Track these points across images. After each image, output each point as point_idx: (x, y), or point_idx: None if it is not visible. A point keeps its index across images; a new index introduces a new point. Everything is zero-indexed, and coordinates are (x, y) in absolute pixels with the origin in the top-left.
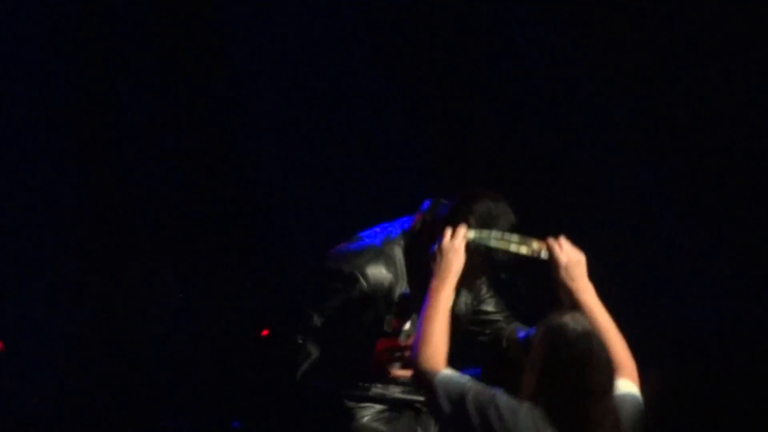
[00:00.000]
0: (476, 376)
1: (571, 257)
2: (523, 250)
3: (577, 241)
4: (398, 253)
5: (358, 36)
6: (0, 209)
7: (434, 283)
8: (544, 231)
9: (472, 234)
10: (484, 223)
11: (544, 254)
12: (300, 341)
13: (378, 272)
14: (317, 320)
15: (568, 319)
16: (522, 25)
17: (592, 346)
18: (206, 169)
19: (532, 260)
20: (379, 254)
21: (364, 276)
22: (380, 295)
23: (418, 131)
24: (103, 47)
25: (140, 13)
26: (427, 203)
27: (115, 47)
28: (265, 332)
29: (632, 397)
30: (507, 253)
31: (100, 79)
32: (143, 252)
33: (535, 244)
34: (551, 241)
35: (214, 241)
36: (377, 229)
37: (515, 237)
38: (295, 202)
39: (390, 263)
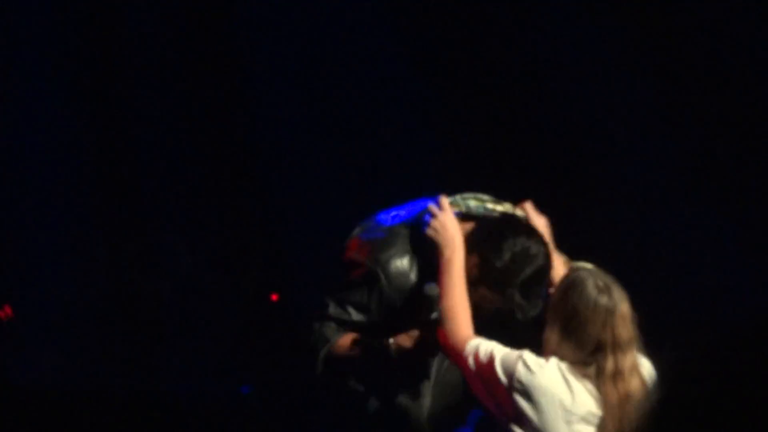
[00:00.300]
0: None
1: (536, 221)
2: (499, 208)
3: (590, 228)
4: (420, 248)
5: (378, 26)
6: (11, 176)
7: (446, 254)
8: (556, 220)
9: (449, 200)
10: (513, 265)
11: (519, 213)
12: (317, 327)
13: (401, 267)
14: (333, 310)
15: (587, 275)
16: (539, 17)
17: (612, 298)
18: (216, 135)
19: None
20: (405, 248)
21: (387, 274)
22: (401, 289)
23: (431, 120)
24: (116, 28)
25: None
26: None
27: (128, 28)
28: (275, 297)
29: (647, 363)
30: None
31: (113, 49)
32: (153, 218)
33: (507, 206)
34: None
35: (225, 207)
36: (403, 212)
37: (489, 198)
38: (305, 167)
39: (412, 257)
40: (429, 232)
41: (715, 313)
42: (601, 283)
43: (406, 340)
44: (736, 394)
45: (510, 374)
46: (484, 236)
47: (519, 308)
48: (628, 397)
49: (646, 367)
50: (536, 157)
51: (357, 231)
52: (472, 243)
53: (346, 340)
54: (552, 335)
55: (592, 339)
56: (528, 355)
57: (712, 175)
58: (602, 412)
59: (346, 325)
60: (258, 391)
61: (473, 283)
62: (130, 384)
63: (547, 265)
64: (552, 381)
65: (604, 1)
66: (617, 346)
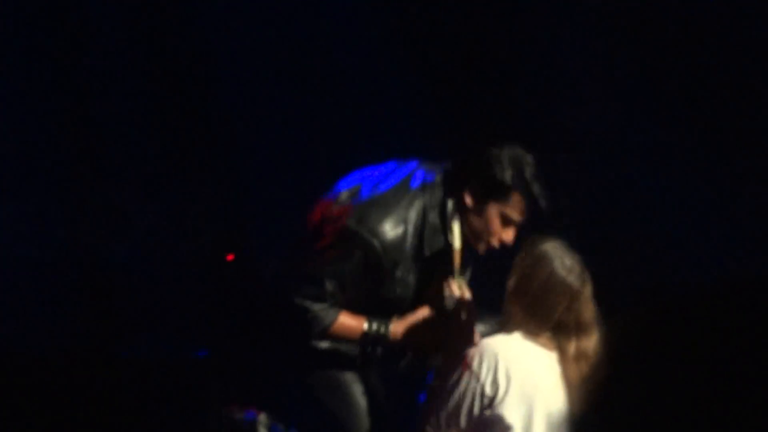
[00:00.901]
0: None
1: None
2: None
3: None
4: (414, 215)
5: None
6: None
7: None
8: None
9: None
10: (515, 164)
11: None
12: (311, 307)
13: (396, 238)
14: (330, 286)
15: (554, 251)
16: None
17: (579, 279)
18: (175, 95)
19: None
20: (399, 219)
21: (383, 242)
22: (394, 260)
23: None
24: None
25: None
26: (443, 164)
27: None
28: (230, 257)
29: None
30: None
31: (73, 16)
32: (111, 179)
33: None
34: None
35: (180, 167)
36: (394, 182)
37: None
38: (262, 127)
39: (407, 226)
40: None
41: (673, 278)
42: (568, 262)
43: (408, 328)
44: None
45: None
46: (472, 159)
47: (540, 197)
48: (588, 374)
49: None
50: (509, 120)
51: (345, 196)
52: (463, 172)
53: (346, 321)
54: (516, 309)
55: (554, 319)
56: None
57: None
58: (564, 392)
59: (342, 300)
60: (214, 355)
61: (480, 209)
62: (85, 345)
63: (532, 156)
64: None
65: None
66: (580, 329)
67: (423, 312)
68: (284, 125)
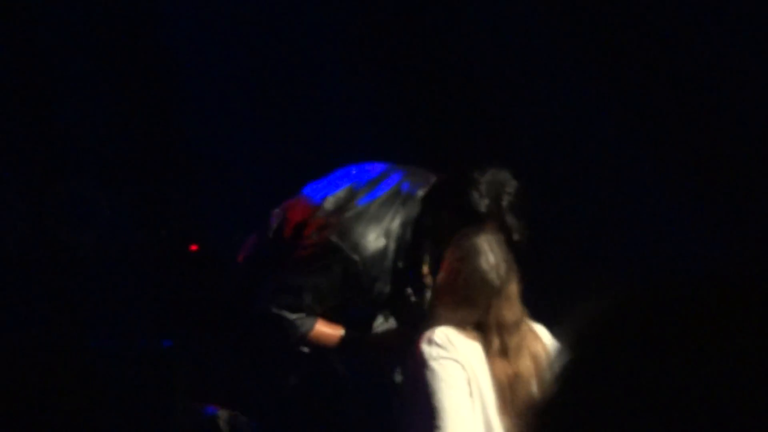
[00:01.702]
0: None
1: None
2: None
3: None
4: (396, 229)
5: None
6: None
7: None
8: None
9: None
10: (493, 190)
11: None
12: (288, 317)
13: (377, 253)
14: (308, 298)
15: (482, 246)
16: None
17: (500, 276)
18: (135, 82)
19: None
20: (381, 233)
21: (364, 259)
22: (374, 276)
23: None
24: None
25: None
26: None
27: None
28: (194, 247)
29: (547, 334)
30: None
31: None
32: (73, 169)
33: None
34: None
35: (143, 157)
36: (376, 181)
37: None
38: (225, 116)
39: (388, 241)
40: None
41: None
42: (493, 260)
43: (385, 340)
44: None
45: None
46: (451, 182)
47: (514, 230)
48: (516, 376)
49: (546, 338)
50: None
51: (329, 205)
52: (441, 194)
53: (324, 329)
54: (443, 304)
55: (474, 317)
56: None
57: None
58: (493, 391)
59: (320, 311)
60: (179, 345)
61: (455, 233)
62: (47, 336)
63: (518, 184)
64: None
65: None
66: (502, 327)
67: (396, 331)
68: (247, 116)
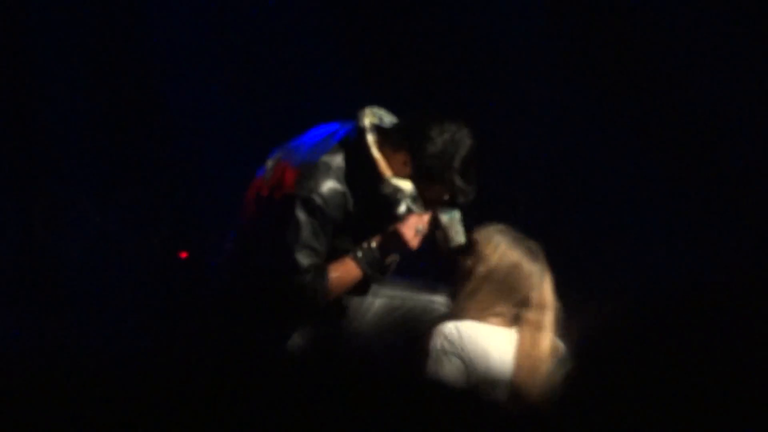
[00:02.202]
0: None
1: None
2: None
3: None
4: (340, 162)
5: None
6: None
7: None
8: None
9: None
10: (447, 149)
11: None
12: (303, 282)
13: (332, 188)
14: (302, 257)
15: (510, 237)
16: None
17: (542, 263)
18: (122, 90)
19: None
20: (327, 169)
21: (323, 197)
22: (339, 206)
23: (338, 44)
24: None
25: None
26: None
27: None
28: (184, 254)
29: (558, 341)
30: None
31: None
32: (62, 176)
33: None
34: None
35: (132, 165)
36: (314, 139)
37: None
38: (208, 119)
39: (337, 176)
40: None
41: (633, 283)
42: (533, 247)
43: (386, 233)
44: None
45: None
46: (410, 130)
47: (461, 192)
48: (539, 349)
49: (558, 345)
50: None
51: (270, 165)
52: (398, 140)
53: (337, 271)
54: (482, 292)
55: (522, 295)
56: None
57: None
58: (514, 360)
59: (317, 262)
60: (168, 351)
61: (418, 185)
62: (38, 343)
63: (475, 144)
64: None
65: None
66: (542, 305)
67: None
68: (234, 124)
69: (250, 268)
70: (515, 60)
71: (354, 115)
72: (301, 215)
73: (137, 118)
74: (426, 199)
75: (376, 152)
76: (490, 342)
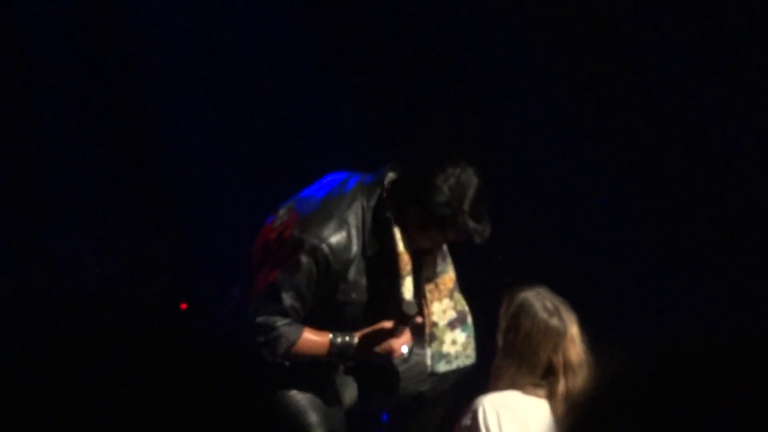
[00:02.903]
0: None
1: None
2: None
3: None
4: (353, 218)
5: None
6: None
7: None
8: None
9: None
10: (455, 195)
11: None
12: (275, 324)
13: (341, 240)
14: (288, 299)
15: (534, 297)
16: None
17: (562, 320)
18: (119, 139)
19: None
20: (340, 222)
21: (329, 245)
22: (344, 261)
23: (342, 98)
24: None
25: None
26: (381, 169)
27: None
28: (184, 306)
29: None
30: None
31: (14, 50)
32: (61, 227)
33: None
34: None
35: (133, 215)
36: (328, 189)
37: None
38: (208, 171)
39: (349, 229)
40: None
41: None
42: (550, 305)
43: (373, 338)
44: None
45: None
46: (414, 182)
47: (475, 233)
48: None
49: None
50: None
51: (283, 212)
52: (405, 193)
53: (311, 337)
54: (505, 363)
55: (543, 362)
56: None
57: (639, 192)
58: None
59: (302, 311)
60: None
61: (420, 230)
62: (38, 396)
63: (481, 182)
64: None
65: None
66: (568, 369)
67: (385, 323)
68: (235, 175)
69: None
70: (515, 104)
71: (361, 163)
72: (304, 259)
73: (138, 168)
74: (436, 246)
75: (397, 232)
76: (528, 413)
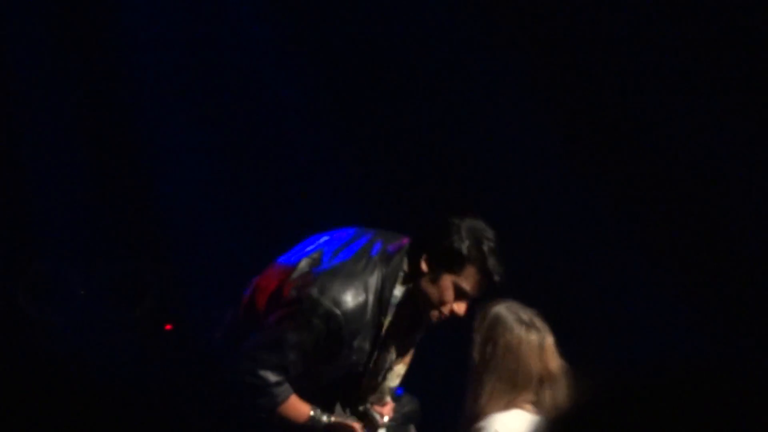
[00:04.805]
0: None
1: None
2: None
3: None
4: (374, 282)
5: (272, 36)
6: None
7: None
8: None
9: None
10: (475, 235)
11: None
12: (269, 380)
13: (358, 308)
14: (292, 355)
15: (505, 310)
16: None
17: (539, 331)
18: (104, 161)
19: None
20: (362, 288)
21: (345, 312)
22: (354, 330)
23: (335, 142)
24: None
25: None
26: (405, 240)
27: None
28: (168, 327)
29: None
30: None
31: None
32: (46, 250)
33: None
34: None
35: (114, 236)
36: (355, 251)
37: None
38: (193, 198)
39: (367, 295)
40: None
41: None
42: (525, 317)
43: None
44: None
45: None
46: (435, 238)
47: (497, 273)
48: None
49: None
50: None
51: (305, 265)
52: (423, 247)
53: (296, 403)
54: (490, 378)
55: (535, 376)
56: None
57: (631, 218)
58: None
59: (304, 371)
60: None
61: (434, 281)
62: (24, 420)
63: (491, 228)
64: None
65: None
66: (552, 380)
67: (356, 425)
68: (221, 191)
69: (242, 346)
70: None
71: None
72: (317, 322)
73: (124, 190)
74: (470, 295)
75: (408, 306)
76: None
